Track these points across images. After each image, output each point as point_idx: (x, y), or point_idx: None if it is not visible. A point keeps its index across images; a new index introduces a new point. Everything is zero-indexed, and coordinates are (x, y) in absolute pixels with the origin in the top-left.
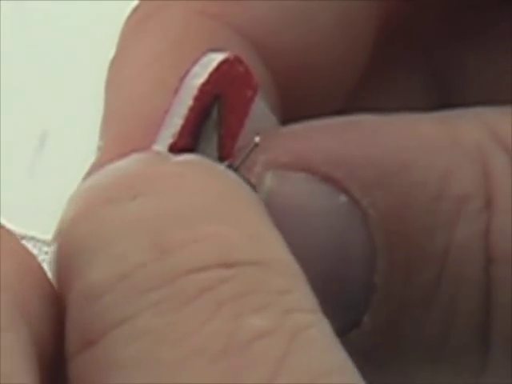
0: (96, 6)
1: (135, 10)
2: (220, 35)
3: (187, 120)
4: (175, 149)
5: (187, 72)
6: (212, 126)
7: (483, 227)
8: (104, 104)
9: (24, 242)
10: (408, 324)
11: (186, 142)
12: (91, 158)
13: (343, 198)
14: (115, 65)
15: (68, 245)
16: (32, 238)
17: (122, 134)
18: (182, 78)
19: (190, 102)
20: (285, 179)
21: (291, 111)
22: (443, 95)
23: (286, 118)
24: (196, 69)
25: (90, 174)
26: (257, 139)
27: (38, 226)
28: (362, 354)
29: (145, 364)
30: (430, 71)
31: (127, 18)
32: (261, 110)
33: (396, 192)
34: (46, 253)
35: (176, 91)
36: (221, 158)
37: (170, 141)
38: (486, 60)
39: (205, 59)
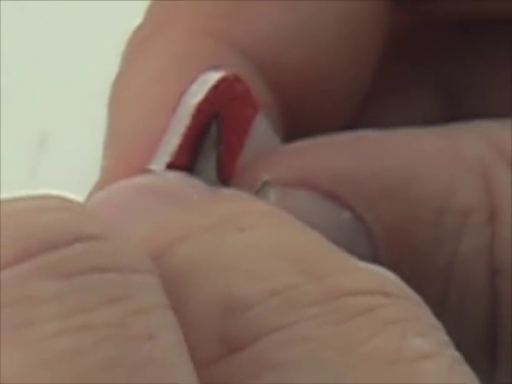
0: (96, 6)
1: (139, 27)
2: (223, 55)
3: (185, 138)
4: (172, 168)
5: (185, 91)
6: (210, 144)
7: (488, 240)
8: (107, 123)
9: None
10: None
11: (184, 161)
12: (91, 159)
13: (347, 214)
14: (118, 83)
15: (180, 264)
16: None
17: (124, 155)
18: (180, 97)
19: (187, 121)
20: (288, 196)
21: (296, 130)
22: (454, 109)
23: (290, 138)
24: (194, 87)
25: (92, 194)
26: (266, 177)
27: None
28: None
29: (308, 364)
30: (441, 85)
31: (131, 35)
32: (262, 130)
33: (400, 207)
34: None
35: (174, 110)
36: (220, 177)
37: (167, 159)
38: (497, 74)
39: (202, 77)
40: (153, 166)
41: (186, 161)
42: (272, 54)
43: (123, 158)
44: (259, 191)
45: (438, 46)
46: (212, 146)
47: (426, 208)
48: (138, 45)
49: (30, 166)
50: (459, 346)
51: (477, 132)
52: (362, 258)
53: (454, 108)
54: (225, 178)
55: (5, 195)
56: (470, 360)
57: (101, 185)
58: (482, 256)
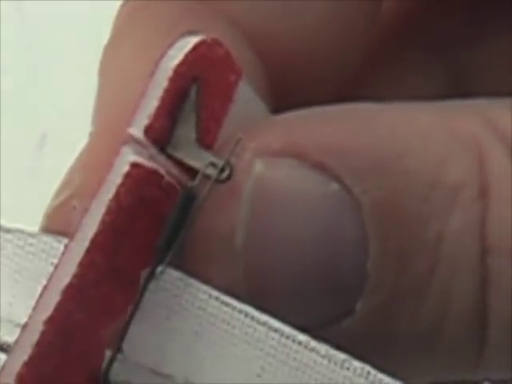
0: (97, 6)
1: None
2: (210, 23)
3: (162, 101)
4: (151, 131)
5: (163, 55)
6: (190, 108)
7: (479, 216)
8: (97, 91)
9: (9, 235)
10: (402, 313)
11: (163, 124)
12: None
13: (335, 186)
14: (108, 52)
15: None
16: (17, 231)
17: (109, 121)
18: (158, 61)
19: (165, 84)
20: (275, 166)
21: (284, 102)
22: (454, 87)
23: (277, 108)
24: (171, 51)
25: (80, 159)
26: (240, 134)
27: (38, 226)
28: (355, 342)
29: None
30: (442, 62)
31: (121, 6)
32: (247, 96)
33: (389, 180)
34: (31, 245)
35: (151, 74)
36: (202, 142)
37: (145, 122)
38: (499, 52)
39: (181, 42)
40: (131, 130)
41: (165, 124)
42: (260, 23)
43: (108, 124)
44: (245, 160)
45: (442, 22)
46: (192, 110)
47: (416, 182)
48: (128, 15)
49: (30, 165)
50: (446, 324)
51: (472, 109)
52: (349, 232)
53: (455, 85)
54: (208, 143)
55: (5, 195)
56: (458, 336)
57: (88, 150)
58: (473, 232)
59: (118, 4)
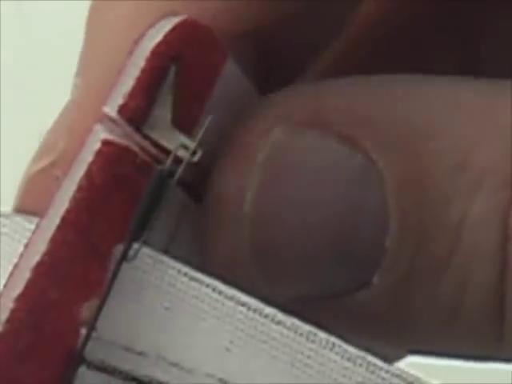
0: None
1: None
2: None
3: (139, 81)
4: (126, 110)
5: (142, 35)
6: (167, 88)
7: (502, 204)
8: (84, 36)
9: None
10: (419, 292)
11: (138, 104)
12: None
13: (359, 158)
14: (98, 6)
15: None
16: None
17: (100, 85)
18: (137, 41)
19: (142, 64)
20: (296, 134)
21: (273, 81)
22: (468, 59)
23: (266, 89)
24: (151, 31)
25: (64, 119)
26: (209, 118)
27: None
28: (372, 316)
29: None
30: (457, 33)
31: None
32: (232, 75)
33: (416, 157)
34: (5, 226)
35: (130, 53)
36: (179, 123)
37: (120, 101)
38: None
39: (162, 22)
40: (106, 109)
41: (141, 103)
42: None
43: (97, 86)
44: (263, 126)
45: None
46: (169, 91)
47: (444, 162)
48: None
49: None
50: (463, 307)
51: None
52: (370, 205)
53: (469, 57)
54: (188, 125)
55: (5, 195)
56: (475, 320)
57: (73, 110)
58: (496, 219)
59: None
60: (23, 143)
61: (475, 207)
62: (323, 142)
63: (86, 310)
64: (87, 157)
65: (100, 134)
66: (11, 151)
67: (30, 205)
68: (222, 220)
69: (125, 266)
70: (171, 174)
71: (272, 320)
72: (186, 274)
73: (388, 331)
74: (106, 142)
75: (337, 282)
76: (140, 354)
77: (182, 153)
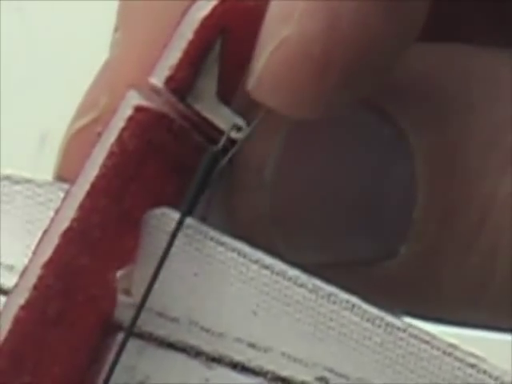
0: (97, 5)
1: None
2: None
3: (186, 53)
4: (172, 82)
5: (190, 5)
6: (213, 59)
7: None
8: None
9: (18, 186)
10: (446, 266)
11: (184, 76)
12: None
13: (389, 127)
14: None
15: None
16: (27, 181)
17: (144, 42)
18: (185, 11)
19: (190, 36)
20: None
21: None
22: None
23: None
24: (199, 2)
25: (106, 74)
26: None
27: None
28: (397, 287)
29: None
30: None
31: None
32: None
33: (448, 132)
34: (40, 195)
35: (177, 24)
36: (222, 95)
37: (166, 73)
38: None
39: None
40: (153, 80)
41: (187, 76)
42: None
43: (139, 43)
44: None
45: None
46: (214, 61)
47: (475, 140)
48: None
49: (30, 165)
50: (489, 283)
51: None
52: (398, 178)
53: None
54: (233, 94)
55: None
56: (503, 295)
57: (115, 66)
58: None
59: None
60: (23, 143)
61: (505, 184)
62: (353, 109)
63: (122, 278)
64: (119, 123)
65: (132, 101)
66: (11, 151)
67: (72, 162)
68: (244, 185)
69: (154, 231)
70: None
71: (295, 283)
72: (212, 239)
73: (413, 303)
74: (139, 108)
75: (362, 251)
76: (173, 319)
77: (227, 127)
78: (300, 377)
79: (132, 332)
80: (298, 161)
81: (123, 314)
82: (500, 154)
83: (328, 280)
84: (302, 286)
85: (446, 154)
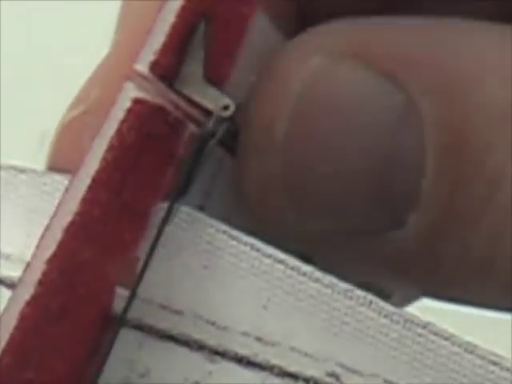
0: (97, 5)
1: None
2: None
3: (170, 37)
4: (157, 67)
5: None
6: (198, 43)
7: None
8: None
9: (23, 175)
10: (455, 235)
11: (169, 60)
12: None
13: (400, 96)
14: None
15: None
16: (32, 171)
17: (133, 40)
18: None
19: (172, 19)
20: (336, 64)
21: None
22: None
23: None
24: None
25: (98, 73)
26: (254, 78)
27: None
28: (407, 259)
29: None
30: None
31: None
32: (262, 28)
33: (460, 103)
34: (45, 184)
35: (159, 10)
36: (211, 78)
37: (151, 58)
38: None
39: None
40: (137, 66)
41: (172, 60)
42: None
43: (130, 40)
44: (301, 52)
45: None
46: (199, 45)
47: (487, 111)
48: None
49: (29, 166)
50: (497, 257)
51: None
52: (407, 146)
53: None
54: (220, 78)
55: None
56: (509, 274)
57: (106, 64)
58: None
59: (119, 4)
60: (23, 143)
61: None
62: (365, 75)
63: (121, 269)
64: (118, 115)
65: (131, 93)
66: (11, 151)
67: (62, 152)
68: (254, 148)
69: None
70: (211, 133)
71: (310, 278)
72: (224, 232)
73: (421, 276)
74: (137, 101)
75: (371, 220)
76: (177, 312)
77: (216, 108)
78: (309, 372)
79: (124, 321)
80: (309, 123)
81: (121, 307)
82: (510, 129)
83: (336, 249)
84: (317, 280)
85: (456, 126)
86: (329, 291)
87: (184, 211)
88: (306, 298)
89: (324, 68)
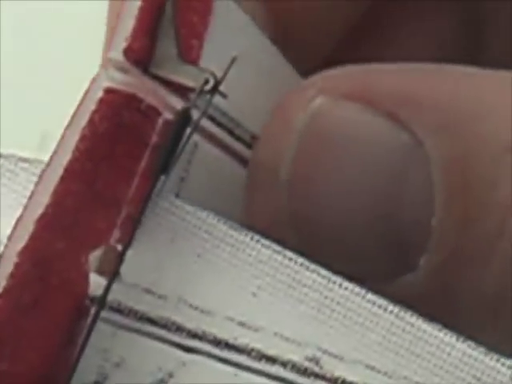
0: (97, 5)
1: None
2: None
3: (139, 21)
4: (131, 52)
5: None
6: (167, 24)
7: None
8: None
9: (26, 164)
10: (466, 273)
11: (142, 44)
12: None
13: (405, 137)
14: None
15: None
16: (35, 161)
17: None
18: None
19: (139, 3)
20: (339, 105)
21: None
22: (472, 46)
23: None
24: None
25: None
26: (234, 53)
27: None
28: (419, 300)
29: None
30: (463, 17)
31: None
32: (226, 8)
33: (464, 139)
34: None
35: None
36: (184, 57)
37: (123, 44)
38: None
39: None
40: (111, 54)
41: (145, 43)
42: None
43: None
44: (305, 95)
45: None
46: (169, 26)
47: (490, 145)
48: None
49: None
50: (505, 304)
51: None
52: (415, 185)
53: (473, 44)
54: (191, 58)
55: None
56: None
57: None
58: None
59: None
60: (23, 143)
61: None
62: (368, 116)
63: (96, 257)
64: (90, 105)
65: (102, 83)
66: (12, 151)
67: None
68: (260, 184)
69: (162, 212)
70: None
71: (307, 268)
72: (225, 223)
73: (434, 317)
74: (108, 90)
75: (381, 265)
76: (160, 296)
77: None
78: (287, 355)
79: (104, 304)
80: (312, 164)
81: (97, 294)
82: (511, 162)
83: None
84: (313, 271)
85: (462, 162)
86: (324, 281)
87: (186, 201)
88: (298, 287)
89: (325, 109)
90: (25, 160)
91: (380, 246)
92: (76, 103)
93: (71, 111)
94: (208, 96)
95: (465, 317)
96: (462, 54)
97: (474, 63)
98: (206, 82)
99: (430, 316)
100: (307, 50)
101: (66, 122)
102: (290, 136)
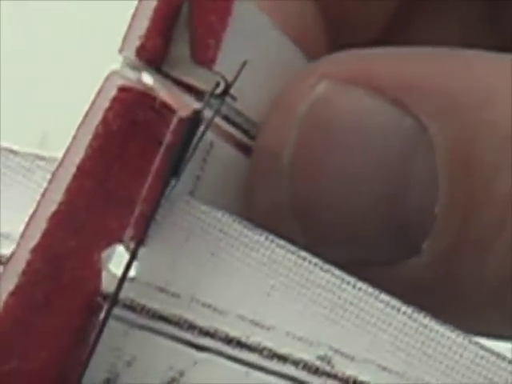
0: (97, 5)
1: None
2: None
3: (153, 21)
4: (144, 52)
5: None
6: (182, 25)
7: None
8: None
9: (42, 162)
10: (469, 261)
11: (155, 44)
12: None
13: (409, 122)
14: None
15: None
16: (51, 158)
17: None
18: None
19: (154, 2)
20: (342, 91)
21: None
22: (497, 33)
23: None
24: None
25: None
26: (248, 56)
27: None
28: (423, 286)
29: None
30: (488, 5)
31: None
32: (247, 9)
33: (467, 126)
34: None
35: None
36: (198, 59)
37: (137, 43)
38: None
39: None
40: (124, 53)
41: (158, 44)
42: None
43: None
44: (307, 82)
45: None
46: (185, 27)
47: (493, 132)
48: None
49: None
50: (509, 289)
51: None
52: (419, 172)
53: (498, 31)
54: (207, 59)
55: None
56: None
57: None
58: None
59: (118, 4)
60: (23, 143)
61: None
62: (371, 102)
63: (107, 257)
64: (103, 104)
65: (116, 81)
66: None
67: None
68: (261, 173)
69: (177, 211)
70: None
71: (321, 268)
72: (240, 222)
73: (436, 304)
74: (122, 89)
75: (385, 249)
76: (174, 294)
77: (207, 87)
78: (299, 354)
79: (116, 300)
80: (314, 150)
81: (109, 292)
82: None
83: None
84: (327, 271)
85: (466, 149)
86: (338, 281)
87: (196, 200)
88: (312, 287)
89: (327, 95)
90: (41, 158)
91: (384, 230)
92: (76, 103)
93: (71, 111)
94: (219, 99)
95: (467, 300)
96: (488, 40)
97: (499, 50)
98: (217, 85)
99: (434, 301)
100: (358, 41)
101: (66, 122)
102: (292, 122)
